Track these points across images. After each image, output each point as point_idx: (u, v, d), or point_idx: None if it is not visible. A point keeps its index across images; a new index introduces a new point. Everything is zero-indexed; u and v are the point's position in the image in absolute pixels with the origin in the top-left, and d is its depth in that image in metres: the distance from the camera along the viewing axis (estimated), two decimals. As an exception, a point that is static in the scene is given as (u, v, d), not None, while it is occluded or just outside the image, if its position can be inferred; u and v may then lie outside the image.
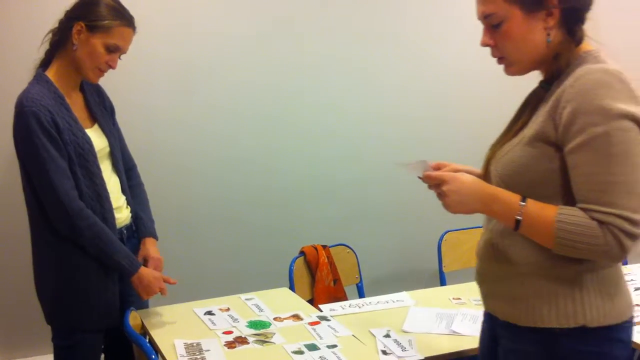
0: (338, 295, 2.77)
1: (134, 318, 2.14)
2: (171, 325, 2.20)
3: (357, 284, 2.90)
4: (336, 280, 2.80)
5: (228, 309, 2.33)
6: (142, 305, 2.31)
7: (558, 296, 1.41)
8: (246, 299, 2.43)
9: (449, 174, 1.44)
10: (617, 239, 1.30)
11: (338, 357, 1.92)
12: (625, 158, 1.31)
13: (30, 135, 1.98)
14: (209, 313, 2.29)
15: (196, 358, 1.92)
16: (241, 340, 2.06)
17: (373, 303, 2.43)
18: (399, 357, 1.95)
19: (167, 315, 2.27)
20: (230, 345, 2.03)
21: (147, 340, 1.98)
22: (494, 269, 1.51)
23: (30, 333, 2.66)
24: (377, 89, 3.17)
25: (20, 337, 2.72)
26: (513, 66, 1.47)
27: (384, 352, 1.97)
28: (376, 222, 3.20)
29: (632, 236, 1.31)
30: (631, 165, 1.31)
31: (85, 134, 2.10)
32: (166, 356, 1.95)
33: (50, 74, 2.09)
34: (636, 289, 2.49)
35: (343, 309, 2.37)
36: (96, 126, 2.20)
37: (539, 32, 1.41)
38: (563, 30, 1.42)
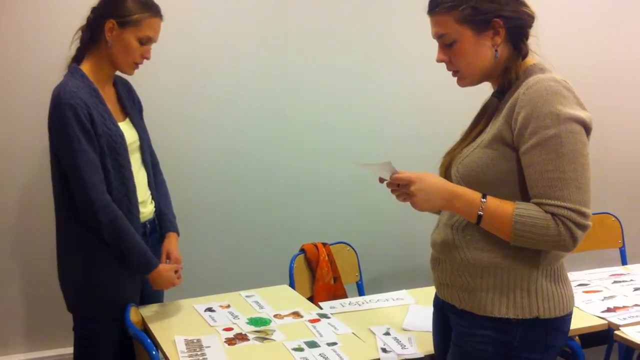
0: (338, 293, 2.77)
1: (134, 314, 2.14)
2: (172, 321, 2.20)
3: (357, 282, 2.91)
4: (336, 278, 2.81)
5: (228, 306, 2.33)
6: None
7: (515, 289, 1.55)
8: (246, 296, 2.44)
9: (415, 174, 1.55)
10: (569, 230, 1.45)
11: (338, 355, 1.93)
12: (574, 157, 1.46)
13: (65, 127, 2.00)
14: (210, 310, 2.30)
15: (196, 354, 1.93)
16: (241, 337, 2.07)
17: (373, 301, 2.44)
18: (398, 354, 1.96)
19: (168, 311, 2.28)
20: (230, 341, 2.03)
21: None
22: (453, 261, 1.63)
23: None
24: (379, 86, 3.16)
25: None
26: (466, 79, 1.64)
27: (384, 350, 1.98)
28: (377, 220, 3.20)
29: (582, 227, 1.46)
30: (580, 164, 1.46)
31: (118, 127, 2.14)
32: (167, 352, 1.95)
33: (85, 68, 2.13)
34: (635, 289, 2.50)
35: (343, 306, 2.38)
36: (127, 120, 2.24)
37: (487, 49, 1.58)
38: (510, 46, 1.60)
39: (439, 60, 1.65)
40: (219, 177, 2.96)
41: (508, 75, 1.59)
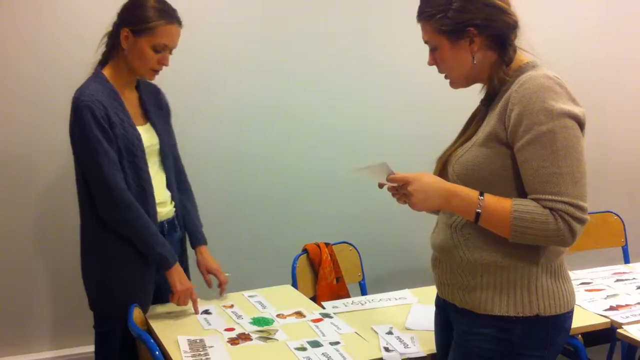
0: (340, 292, 2.77)
1: (137, 314, 2.15)
2: (175, 321, 2.21)
3: (359, 282, 2.91)
4: (339, 277, 2.81)
5: (232, 306, 2.34)
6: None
7: (516, 287, 1.56)
8: (249, 296, 2.44)
9: (411, 174, 1.56)
10: (568, 224, 1.46)
11: (340, 354, 1.93)
12: (569, 152, 1.46)
13: (84, 128, 2.05)
14: (206, 312, 2.29)
15: (200, 354, 1.93)
16: (244, 337, 2.07)
17: (375, 300, 2.44)
18: (401, 353, 1.96)
19: (171, 311, 2.28)
20: (233, 341, 2.04)
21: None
22: (453, 261, 1.63)
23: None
24: (381, 87, 3.17)
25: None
26: (454, 82, 1.69)
27: (387, 349, 1.98)
28: (379, 220, 3.20)
29: (580, 221, 1.47)
30: (574, 159, 1.47)
31: (135, 129, 2.17)
32: (170, 352, 1.96)
33: (107, 72, 2.18)
34: (638, 288, 2.50)
35: (346, 306, 2.38)
36: (148, 124, 2.27)
37: (465, 56, 1.61)
38: (493, 52, 1.60)
39: (429, 64, 1.69)
40: (221, 177, 2.96)
41: (491, 84, 1.60)
